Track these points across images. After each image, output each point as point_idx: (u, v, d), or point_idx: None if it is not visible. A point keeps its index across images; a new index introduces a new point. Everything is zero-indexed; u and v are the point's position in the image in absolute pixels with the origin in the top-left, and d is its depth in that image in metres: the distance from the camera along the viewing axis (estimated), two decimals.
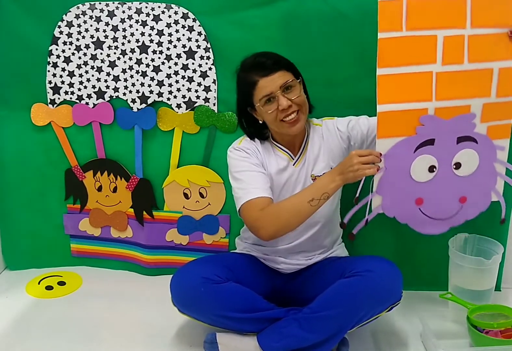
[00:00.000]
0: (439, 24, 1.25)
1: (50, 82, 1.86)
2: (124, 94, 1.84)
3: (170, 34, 1.77)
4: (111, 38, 1.80)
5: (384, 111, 1.27)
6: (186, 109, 1.84)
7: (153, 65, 1.80)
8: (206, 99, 1.82)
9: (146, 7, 1.75)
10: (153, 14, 1.75)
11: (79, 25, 1.80)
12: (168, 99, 1.83)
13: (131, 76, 1.82)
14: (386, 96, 1.27)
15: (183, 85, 1.81)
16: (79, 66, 1.84)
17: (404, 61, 1.26)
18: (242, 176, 1.46)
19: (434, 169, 1.34)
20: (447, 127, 1.31)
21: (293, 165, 1.52)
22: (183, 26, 1.75)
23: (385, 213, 1.36)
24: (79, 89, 1.87)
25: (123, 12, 1.76)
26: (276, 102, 1.39)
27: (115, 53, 1.81)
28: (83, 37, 1.81)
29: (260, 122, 1.49)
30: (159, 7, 1.74)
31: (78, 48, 1.82)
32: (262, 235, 1.37)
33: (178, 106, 1.83)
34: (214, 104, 1.82)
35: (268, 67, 1.38)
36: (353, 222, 1.33)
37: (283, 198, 1.47)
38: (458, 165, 1.35)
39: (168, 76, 1.80)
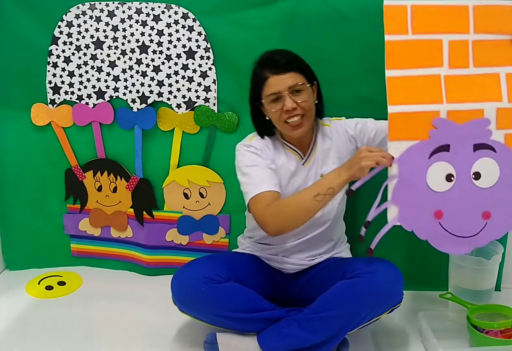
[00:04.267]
0: (444, 29, 1.29)
1: (50, 82, 1.86)
2: (124, 94, 1.84)
3: (170, 34, 1.77)
4: (111, 38, 1.80)
5: (396, 112, 1.26)
6: (186, 109, 1.84)
7: (153, 65, 1.80)
8: (206, 99, 1.82)
9: (146, 7, 1.75)
10: (153, 14, 1.75)
11: (79, 25, 1.80)
12: (168, 99, 1.83)
13: (131, 76, 1.82)
14: (397, 98, 1.27)
15: (183, 85, 1.81)
16: (79, 66, 1.84)
17: (411, 64, 1.28)
18: (250, 170, 1.44)
19: (452, 178, 1.28)
20: (462, 132, 1.28)
21: (303, 164, 1.52)
22: (183, 26, 1.75)
23: (402, 226, 1.30)
24: (79, 89, 1.87)
25: (123, 12, 1.76)
26: (282, 102, 1.39)
27: (115, 53, 1.81)
28: (83, 37, 1.81)
29: (267, 118, 1.48)
30: (159, 7, 1.74)
31: (78, 48, 1.82)
32: (269, 230, 1.36)
33: (178, 106, 1.83)
34: (214, 104, 1.82)
35: (280, 66, 1.39)
36: (369, 236, 1.30)
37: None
38: (477, 175, 1.29)
39: (168, 76, 1.80)
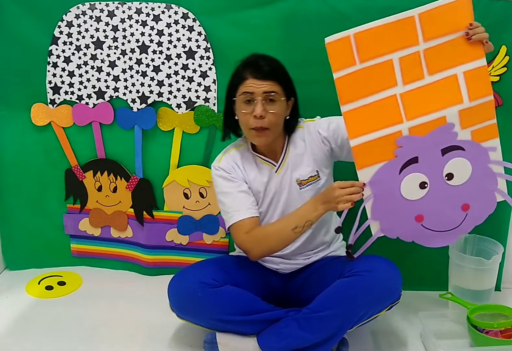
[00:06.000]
0: (392, 47, 1.25)
1: (50, 82, 1.86)
2: (124, 94, 1.85)
3: (170, 34, 1.77)
4: (111, 38, 1.80)
5: (358, 144, 1.27)
6: (186, 109, 1.84)
7: (153, 65, 1.80)
8: (206, 99, 1.82)
9: (146, 7, 1.75)
10: (153, 14, 1.75)
11: (79, 25, 1.80)
12: (168, 99, 1.83)
13: (131, 76, 1.82)
14: (356, 130, 1.26)
15: (183, 85, 1.81)
16: (79, 66, 1.84)
17: (365, 92, 1.26)
18: (224, 198, 1.49)
19: (426, 185, 1.31)
20: (427, 142, 1.29)
21: (276, 172, 1.52)
22: (183, 26, 1.75)
23: (386, 235, 1.34)
24: (79, 89, 1.87)
25: (123, 12, 1.76)
26: (253, 106, 1.39)
27: (115, 53, 1.81)
28: (83, 37, 1.81)
29: (236, 118, 1.48)
30: (159, 7, 1.74)
31: (78, 48, 1.82)
32: (250, 256, 1.46)
33: (178, 106, 1.83)
34: (214, 104, 1.82)
35: (262, 72, 1.39)
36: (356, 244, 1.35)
37: (270, 206, 1.52)
38: (450, 176, 1.32)
39: (168, 76, 1.80)
